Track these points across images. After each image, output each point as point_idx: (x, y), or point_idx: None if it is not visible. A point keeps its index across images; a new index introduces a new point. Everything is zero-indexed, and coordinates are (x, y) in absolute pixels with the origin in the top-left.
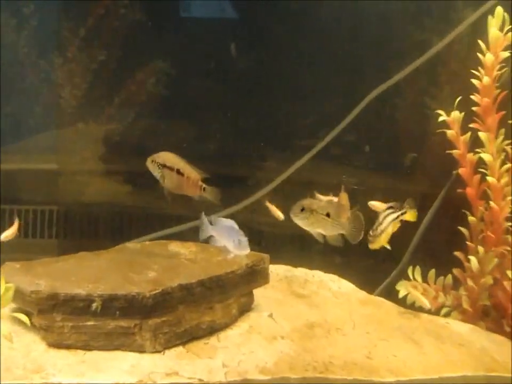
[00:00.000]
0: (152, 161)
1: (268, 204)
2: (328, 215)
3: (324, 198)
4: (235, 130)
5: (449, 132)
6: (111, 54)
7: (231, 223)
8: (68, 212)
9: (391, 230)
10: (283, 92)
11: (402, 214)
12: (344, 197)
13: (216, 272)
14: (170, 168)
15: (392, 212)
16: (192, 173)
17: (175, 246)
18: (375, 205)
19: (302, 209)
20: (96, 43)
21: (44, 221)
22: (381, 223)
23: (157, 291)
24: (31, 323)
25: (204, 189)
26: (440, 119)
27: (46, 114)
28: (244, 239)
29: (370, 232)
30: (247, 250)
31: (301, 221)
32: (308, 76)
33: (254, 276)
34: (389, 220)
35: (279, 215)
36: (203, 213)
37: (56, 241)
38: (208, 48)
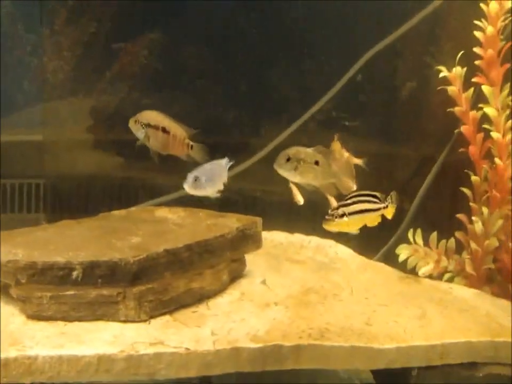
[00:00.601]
0: (135, 121)
1: (292, 186)
2: (317, 163)
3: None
4: (229, 98)
5: (450, 88)
6: (100, 25)
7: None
8: (56, 185)
9: (363, 220)
10: (278, 57)
11: (384, 208)
12: (336, 144)
13: (204, 236)
14: (155, 127)
15: (373, 201)
16: (178, 131)
17: (162, 212)
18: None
19: (288, 159)
20: (86, 14)
21: (31, 195)
22: (347, 204)
23: (141, 257)
24: (9, 295)
25: (191, 147)
26: (441, 75)
27: (34, 88)
28: (203, 178)
29: (330, 210)
30: (199, 191)
31: (287, 172)
32: (302, 38)
33: (246, 240)
34: (363, 207)
35: (299, 199)
36: None
37: (44, 216)
38: (201, 18)
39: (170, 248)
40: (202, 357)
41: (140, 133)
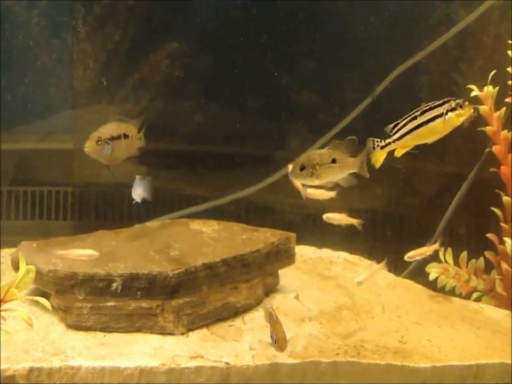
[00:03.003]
0: (98, 141)
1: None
2: (334, 161)
3: None
4: (254, 109)
5: (481, 107)
6: (125, 34)
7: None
8: (83, 193)
9: None
10: (303, 69)
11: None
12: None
13: (240, 251)
14: (118, 136)
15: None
16: (133, 130)
17: (196, 225)
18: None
19: (302, 168)
20: (111, 22)
21: (59, 202)
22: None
23: (180, 270)
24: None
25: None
26: (472, 94)
27: (60, 95)
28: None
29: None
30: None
31: (304, 180)
32: (330, 53)
33: (280, 255)
34: None
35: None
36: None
37: (73, 223)
38: (222, 28)
39: (208, 262)
40: (242, 372)
41: (105, 151)
